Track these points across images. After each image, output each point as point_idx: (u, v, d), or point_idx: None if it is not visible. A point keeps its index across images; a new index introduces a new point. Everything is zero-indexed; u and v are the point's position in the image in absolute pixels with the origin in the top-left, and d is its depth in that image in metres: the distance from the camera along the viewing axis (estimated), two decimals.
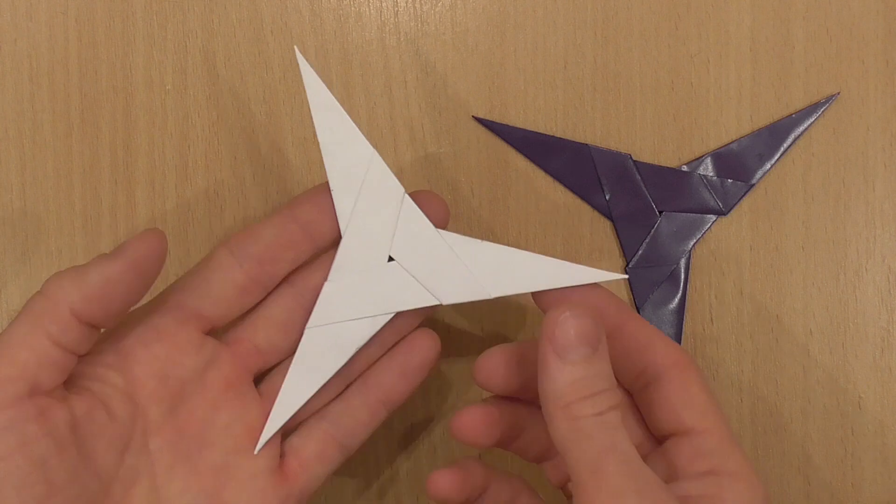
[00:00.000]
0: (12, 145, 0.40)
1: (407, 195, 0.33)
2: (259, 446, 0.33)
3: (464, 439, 0.33)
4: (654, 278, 0.38)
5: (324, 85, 0.33)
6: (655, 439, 0.33)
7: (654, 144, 0.39)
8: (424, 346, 0.35)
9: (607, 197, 0.39)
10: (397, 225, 0.33)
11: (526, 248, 0.39)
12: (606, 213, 0.39)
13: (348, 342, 0.33)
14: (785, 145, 0.38)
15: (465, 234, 0.39)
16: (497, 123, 0.39)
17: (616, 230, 0.39)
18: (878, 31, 0.39)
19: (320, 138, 0.33)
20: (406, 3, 0.40)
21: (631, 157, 0.38)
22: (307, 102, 0.39)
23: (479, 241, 0.33)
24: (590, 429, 0.29)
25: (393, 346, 0.35)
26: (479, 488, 0.34)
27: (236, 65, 0.39)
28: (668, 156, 0.39)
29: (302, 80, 0.33)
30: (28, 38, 0.40)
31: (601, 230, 0.39)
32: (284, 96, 0.39)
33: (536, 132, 0.39)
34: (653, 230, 0.39)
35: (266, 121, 0.39)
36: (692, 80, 0.39)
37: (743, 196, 0.38)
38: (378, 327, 0.33)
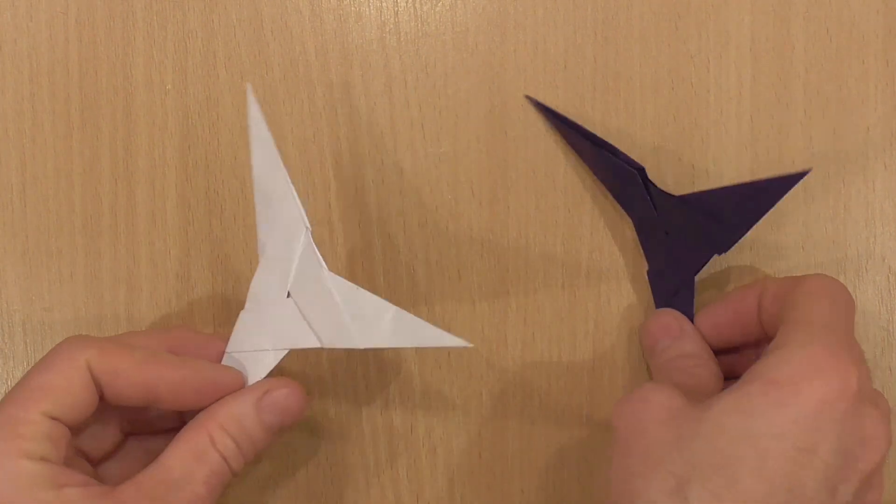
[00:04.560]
0: (12, 145, 0.40)
1: (308, 230, 0.33)
2: None
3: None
4: (670, 284, 0.38)
5: (266, 125, 0.34)
6: None
7: (654, 144, 0.39)
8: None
9: (626, 200, 0.38)
10: (297, 261, 0.34)
11: (526, 249, 0.39)
12: (627, 211, 0.39)
13: (255, 372, 0.34)
14: (781, 195, 0.35)
15: (466, 234, 0.39)
16: (545, 106, 0.39)
17: (637, 231, 0.39)
18: (878, 30, 0.39)
19: (254, 169, 0.34)
20: (406, 3, 0.40)
21: (643, 172, 0.37)
22: (308, 102, 0.39)
23: (357, 287, 0.33)
24: (666, 380, 0.35)
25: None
26: None
27: (236, 65, 0.39)
28: (668, 156, 0.39)
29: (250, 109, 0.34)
30: (28, 38, 0.40)
31: (601, 230, 0.39)
32: (284, 96, 0.39)
33: (576, 123, 0.38)
34: (661, 246, 0.38)
35: (266, 121, 0.39)
36: (692, 80, 0.39)
37: (739, 239, 0.36)
38: (279, 359, 0.34)
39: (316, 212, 0.40)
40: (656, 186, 0.37)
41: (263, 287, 0.34)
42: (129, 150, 0.40)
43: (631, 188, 0.37)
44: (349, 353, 0.40)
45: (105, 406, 0.34)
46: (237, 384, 0.34)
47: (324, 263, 0.33)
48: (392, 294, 0.39)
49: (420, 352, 0.40)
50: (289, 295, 0.34)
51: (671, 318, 0.37)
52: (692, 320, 0.37)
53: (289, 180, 0.34)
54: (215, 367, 0.34)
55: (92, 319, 0.39)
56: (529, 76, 0.39)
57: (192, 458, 0.31)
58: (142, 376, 0.32)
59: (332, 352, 0.40)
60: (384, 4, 0.40)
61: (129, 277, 0.40)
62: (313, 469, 0.40)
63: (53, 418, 0.30)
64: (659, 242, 0.38)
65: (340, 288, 0.34)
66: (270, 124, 0.39)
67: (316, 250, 0.34)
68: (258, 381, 0.34)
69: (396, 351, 0.40)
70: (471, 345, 0.34)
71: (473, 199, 0.40)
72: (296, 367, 0.40)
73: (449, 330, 0.39)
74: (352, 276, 0.40)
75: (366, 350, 0.36)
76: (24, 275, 0.40)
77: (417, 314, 0.39)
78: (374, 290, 0.39)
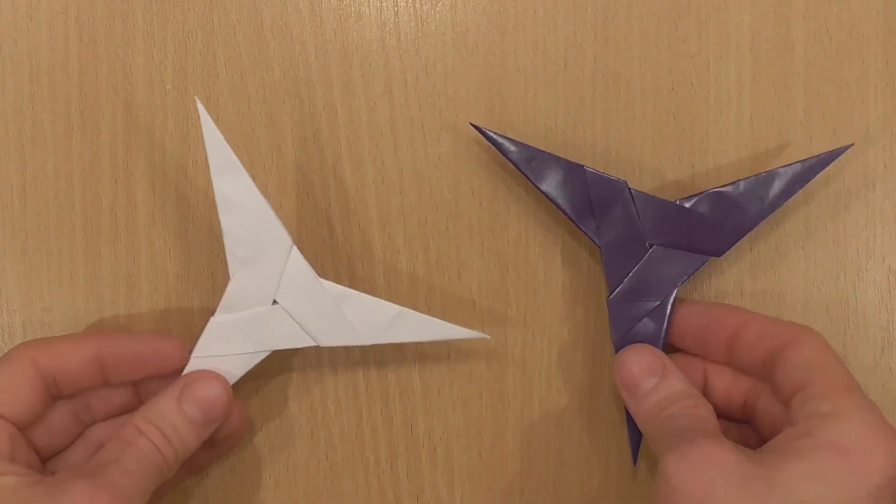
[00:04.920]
0: (12, 145, 0.40)
1: (294, 246, 0.36)
2: None
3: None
4: (634, 313, 0.37)
5: (222, 137, 0.35)
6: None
7: (655, 144, 0.39)
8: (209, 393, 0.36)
9: (596, 223, 0.37)
10: (284, 272, 0.36)
11: (526, 249, 0.39)
12: (594, 238, 0.37)
13: (227, 374, 0.36)
14: (790, 194, 0.36)
15: (466, 233, 0.39)
16: (492, 133, 0.37)
17: (602, 257, 0.37)
18: (878, 31, 0.39)
19: (216, 185, 0.35)
20: (406, 3, 0.40)
21: (627, 185, 0.37)
22: (308, 102, 0.39)
23: (357, 292, 0.36)
24: (666, 424, 0.33)
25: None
26: None
27: (236, 65, 0.39)
28: (668, 156, 0.39)
29: (203, 128, 0.35)
30: (28, 38, 0.40)
31: None
32: (284, 96, 0.39)
33: (532, 147, 0.37)
34: (640, 263, 0.37)
35: (266, 121, 0.39)
36: (692, 80, 0.39)
37: (739, 240, 0.37)
38: (255, 362, 0.36)
39: (316, 212, 0.40)
40: (643, 194, 0.37)
41: (242, 295, 0.36)
42: (129, 150, 0.40)
43: (611, 203, 0.37)
44: (348, 352, 0.40)
45: (77, 422, 0.36)
46: (177, 351, 0.36)
47: (314, 273, 0.36)
48: (392, 294, 0.39)
49: (420, 352, 0.40)
50: (275, 302, 0.36)
51: (650, 354, 0.36)
52: (663, 339, 0.37)
53: (261, 196, 0.35)
54: (155, 334, 0.37)
55: (92, 319, 0.39)
56: (529, 76, 0.39)
57: (122, 444, 0.33)
58: (86, 351, 0.35)
59: (332, 352, 0.40)
60: (384, 4, 0.40)
61: (129, 277, 0.40)
62: (313, 469, 0.40)
63: None
64: (635, 260, 0.37)
65: (339, 292, 0.36)
66: (270, 124, 0.39)
67: (306, 262, 0.36)
68: (182, 376, 0.36)
69: (396, 351, 0.40)
70: (486, 336, 0.36)
71: (473, 199, 0.40)
72: (295, 368, 0.40)
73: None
74: (352, 276, 0.40)
75: (371, 346, 0.37)
76: (24, 275, 0.40)
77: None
78: (374, 290, 0.39)
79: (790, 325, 0.35)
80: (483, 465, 0.40)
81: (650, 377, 0.35)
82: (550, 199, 0.37)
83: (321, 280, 0.36)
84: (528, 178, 0.37)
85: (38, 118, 0.40)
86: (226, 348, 0.36)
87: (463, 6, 0.39)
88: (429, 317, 0.36)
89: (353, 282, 0.39)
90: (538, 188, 0.37)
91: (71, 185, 0.40)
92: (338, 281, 0.36)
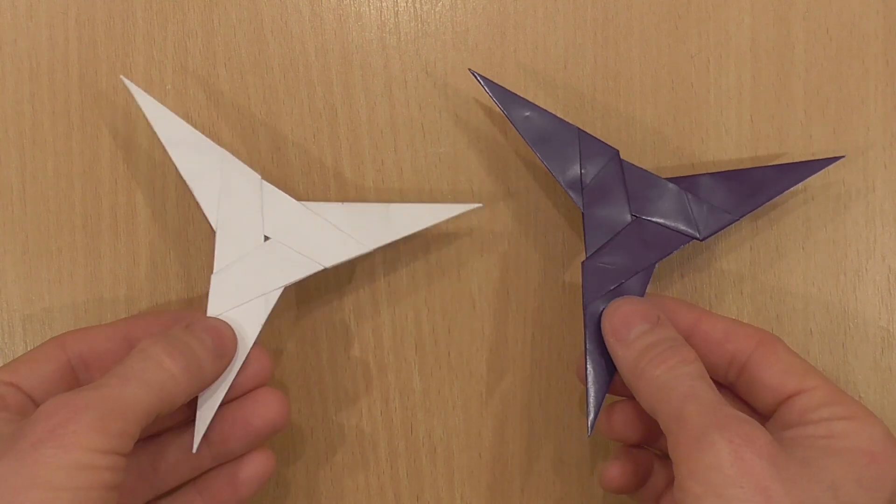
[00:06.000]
0: (12, 145, 0.40)
1: (264, 181, 0.36)
2: (195, 446, 0.34)
3: (610, 489, 0.36)
4: (609, 281, 0.36)
5: (157, 102, 0.35)
6: (765, 417, 0.33)
7: (654, 144, 0.39)
8: (270, 409, 0.35)
9: (583, 186, 0.36)
10: (263, 207, 0.36)
11: (526, 248, 0.39)
12: (578, 201, 0.36)
13: (249, 325, 0.35)
14: (778, 192, 0.36)
15: (466, 233, 0.39)
16: (491, 82, 0.36)
17: (583, 219, 0.37)
18: (878, 31, 0.39)
19: (171, 153, 0.35)
20: (406, 3, 0.40)
21: (618, 153, 0.36)
22: (308, 102, 0.39)
23: (340, 203, 0.36)
24: (668, 383, 0.31)
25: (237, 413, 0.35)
26: (646, 474, 0.36)
27: (236, 65, 0.39)
28: (668, 156, 0.39)
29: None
30: (28, 38, 0.40)
31: None
32: (284, 96, 0.39)
33: (530, 102, 0.36)
34: (621, 231, 0.36)
35: (266, 121, 0.39)
36: (692, 80, 0.39)
37: (724, 227, 0.36)
38: (270, 308, 0.35)
39: None
40: (634, 165, 0.36)
41: (232, 241, 0.35)
42: (129, 149, 0.40)
43: (600, 169, 0.36)
44: (349, 349, 0.40)
45: None
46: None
47: (292, 199, 0.36)
48: (392, 294, 0.39)
49: (420, 351, 0.40)
50: (266, 239, 0.36)
51: (646, 303, 0.34)
52: None
53: (216, 146, 0.35)
54: (181, 309, 0.37)
55: (92, 319, 0.39)
56: (529, 76, 0.39)
57: (114, 368, 0.32)
58: (115, 332, 0.35)
59: (331, 351, 0.40)
60: (384, 4, 0.40)
61: (129, 277, 0.40)
62: (313, 469, 0.40)
63: (10, 384, 0.33)
64: (616, 229, 0.36)
65: (325, 209, 0.36)
66: (270, 124, 0.39)
67: (280, 191, 0.36)
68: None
69: (396, 350, 0.40)
70: (480, 204, 0.36)
71: (473, 200, 0.40)
72: (295, 369, 0.40)
73: (448, 330, 0.40)
74: (352, 276, 0.40)
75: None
76: (24, 275, 0.40)
77: (417, 314, 0.40)
78: (374, 290, 0.39)
79: (751, 327, 0.34)
80: (483, 465, 0.40)
81: (643, 323, 0.33)
82: (539, 157, 0.36)
83: (302, 203, 0.36)
84: (519, 132, 0.36)
85: (38, 118, 0.40)
86: (237, 299, 0.35)
87: (463, 6, 0.39)
88: (418, 204, 0.36)
89: (354, 280, 0.39)
90: (529, 145, 0.36)
91: (71, 185, 0.40)
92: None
